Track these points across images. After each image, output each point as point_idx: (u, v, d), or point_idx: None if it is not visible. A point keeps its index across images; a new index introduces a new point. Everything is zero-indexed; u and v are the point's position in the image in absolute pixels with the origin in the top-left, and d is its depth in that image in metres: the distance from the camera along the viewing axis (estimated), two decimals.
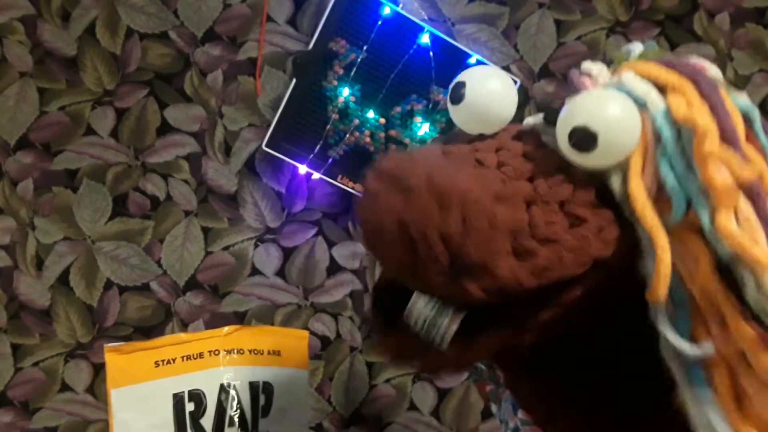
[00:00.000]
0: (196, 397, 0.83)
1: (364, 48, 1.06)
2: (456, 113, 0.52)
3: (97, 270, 1.10)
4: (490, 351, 0.48)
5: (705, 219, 0.43)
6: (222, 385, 0.84)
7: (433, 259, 0.41)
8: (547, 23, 1.18)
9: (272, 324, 1.12)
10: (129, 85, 1.11)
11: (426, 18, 1.13)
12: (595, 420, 0.54)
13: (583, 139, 0.44)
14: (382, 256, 0.46)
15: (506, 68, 1.15)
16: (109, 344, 0.83)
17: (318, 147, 1.08)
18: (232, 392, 0.84)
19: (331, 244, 1.14)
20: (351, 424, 1.13)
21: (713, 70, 0.49)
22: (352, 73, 1.07)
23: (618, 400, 0.54)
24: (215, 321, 1.11)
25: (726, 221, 0.43)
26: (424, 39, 1.07)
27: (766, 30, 1.21)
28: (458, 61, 1.09)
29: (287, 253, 1.13)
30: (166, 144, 1.12)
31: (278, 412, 0.87)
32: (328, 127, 1.08)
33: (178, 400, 0.83)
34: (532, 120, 0.51)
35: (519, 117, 0.53)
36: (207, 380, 0.84)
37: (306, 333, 0.94)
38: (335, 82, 1.07)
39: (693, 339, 0.44)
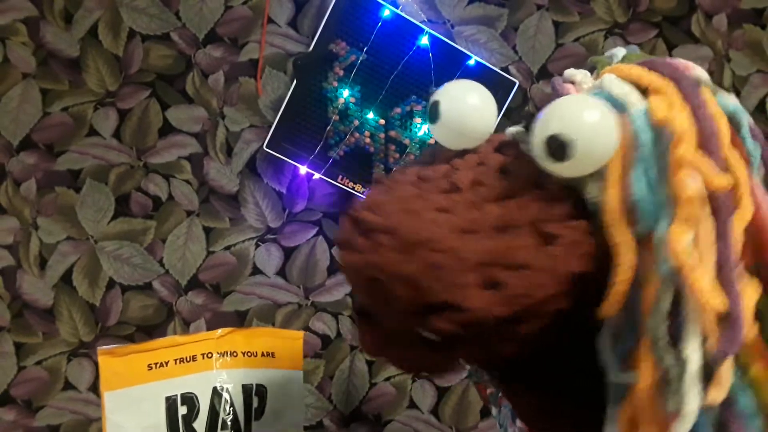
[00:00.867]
0: (189, 400, 0.83)
1: (364, 50, 1.07)
2: (435, 132, 0.51)
3: (100, 269, 1.10)
4: (468, 359, 0.47)
5: (660, 231, 0.40)
6: (215, 389, 0.84)
7: (399, 302, 0.42)
8: (546, 25, 1.19)
9: (273, 323, 1.13)
10: (131, 86, 1.12)
11: (425, 20, 1.13)
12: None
13: (558, 148, 0.42)
14: (357, 294, 0.47)
15: (505, 69, 1.16)
16: (102, 347, 0.83)
17: (318, 148, 1.09)
18: (225, 395, 0.84)
19: (331, 244, 1.15)
20: (351, 422, 1.14)
21: (698, 71, 0.46)
22: (352, 75, 1.08)
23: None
24: (217, 320, 1.12)
25: (677, 235, 0.38)
26: (424, 41, 1.08)
27: (764, 31, 1.22)
28: (457, 63, 1.09)
29: (288, 253, 1.14)
30: (168, 145, 1.12)
31: (272, 414, 0.87)
32: (328, 128, 1.09)
33: (170, 404, 0.82)
34: (514, 129, 0.50)
35: (518, 117, 0.53)
36: (200, 383, 0.84)
37: (301, 333, 0.93)
38: (335, 84, 1.08)
39: (630, 362, 0.41)
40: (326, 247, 1.15)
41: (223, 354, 0.86)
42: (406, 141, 1.11)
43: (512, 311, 0.41)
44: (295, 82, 1.07)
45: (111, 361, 0.83)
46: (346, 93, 1.08)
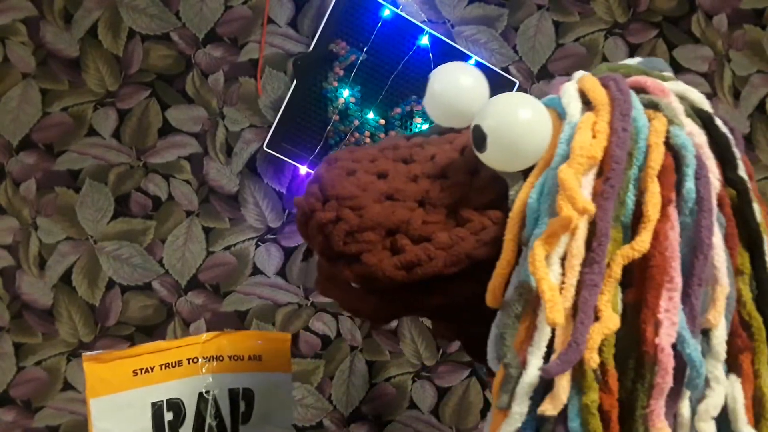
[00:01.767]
0: (175, 406, 0.82)
1: (364, 49, 1.07)
2: (426, 106, 0.54)
3: (100, 270, 1.10)
4: (402, 309, 0.52)
5: (532, 240, 0.42)
6: (201, 394, 0.83)
7: (317, 247, 0.49)
8: (546, 25, 1.19)
9: (273, 323, 1.13)
10: (131, 86, 1.12)
11: (425, 20, 1.13)
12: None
13: (477, 138, 0.46)
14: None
15: (505, 69, 1.16)
16: (87, 353, 0.82)
17: (318, 148, 1.09)
18: (211, 400, 0.83)
19: None
20: (351, 423, 1.14)
21: (671, 99, 0.46)
22: (353, 75, 1.07)
23: None
24: (216, 320, 1.11)
25: (538, 248, 0.41)
26: (424, 41, 1.08)
27: (764, 31, 1.21)
28: None
29: (288, 253, 1.14)
30: (167, 145, 1.12)
31: (260, 418, 0.86)
32: (328, 128, 1.09)
33: (156, 410, 0.81)
34: None
35: None
36: (186, 389, 0.83)
37: (288, 336, 0.92)
38: (335, 84, 1.08)
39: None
40: None
41: (209, 358, 0.85)
42: None
43: (408, 277, 0.47)
44: (295, 82, 1.07)
45: (96, 367, 0.81)
46: (346, 93, 1.08)
